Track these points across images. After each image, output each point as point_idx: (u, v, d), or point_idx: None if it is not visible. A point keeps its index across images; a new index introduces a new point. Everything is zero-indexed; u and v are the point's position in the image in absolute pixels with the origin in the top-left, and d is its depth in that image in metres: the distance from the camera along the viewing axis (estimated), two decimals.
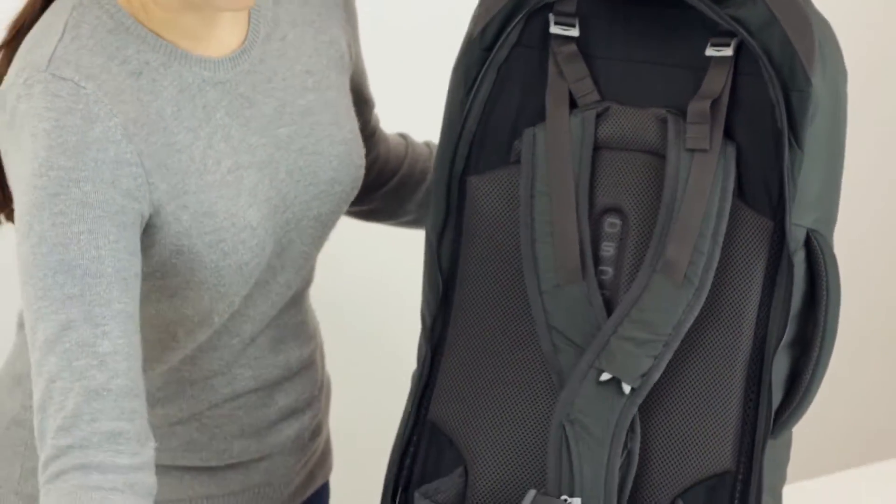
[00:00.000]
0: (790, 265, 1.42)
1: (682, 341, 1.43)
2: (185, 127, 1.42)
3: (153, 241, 1.43)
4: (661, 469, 1.45)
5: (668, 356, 1.42)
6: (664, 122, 1.44)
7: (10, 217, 1.50)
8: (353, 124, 1.59)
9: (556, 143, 1.46)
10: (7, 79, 1.41)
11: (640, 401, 1.43)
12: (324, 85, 1.55)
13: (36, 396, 1.34)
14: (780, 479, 1.54)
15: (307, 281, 1.64)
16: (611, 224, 1.47)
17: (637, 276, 1.43)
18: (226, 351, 1.55)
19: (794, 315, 1.44)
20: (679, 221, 1.41)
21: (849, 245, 3.27)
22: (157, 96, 1.41)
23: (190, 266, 1.44)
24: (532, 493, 1.44)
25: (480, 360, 1.50)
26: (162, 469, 1.51)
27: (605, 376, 1.42)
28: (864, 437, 3.55)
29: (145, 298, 1.44)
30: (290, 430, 1.63)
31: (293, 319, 1.63)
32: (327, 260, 1.67)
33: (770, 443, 1.45)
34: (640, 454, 1.45)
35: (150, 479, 1.36)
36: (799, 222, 1.43)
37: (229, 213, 1.44)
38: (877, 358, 3.52)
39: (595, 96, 1.48)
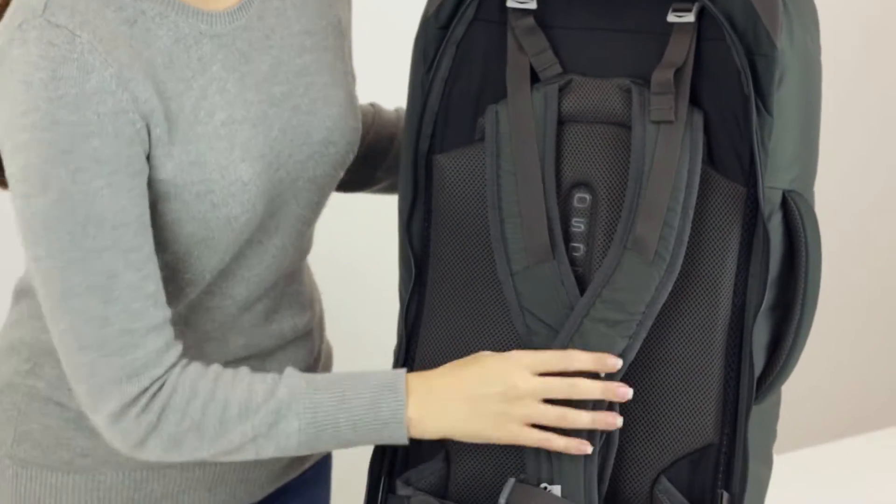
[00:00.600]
0: (765, 230, 1.39)
1: (658, 316, 1.41)
2: (176, 77, 1.42)
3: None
4: (642, 447, 1.44)
5: (643, 334, 1.40)
6: (629, 92, 1.42)
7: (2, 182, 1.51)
8: (349, 88, 1.59)
9: (519, 121, 1.44)
10: (3, 20, 1.40)
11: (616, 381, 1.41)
12: (321, 46, 1.55)
13: (72, 333, 1.39)
14: (769, 440, 1.53)
15: (304, 249, 1.63)
16: (580, 199, 1.45)
17: (608, 252, 1.41)
18: (219, 313, 1.54)
19: (774, 279, 1.42)
20: (647, 197, 1.38)
21: (851, 218, 3.29)
22: (150, 45, 1.41)
23: (178, 216, 1.44)
24: (511, 481, 1.43)
25: (455, 342, 1.49)
26: None
27: None
28: (864, 405, 3.55)
29: None
30: None
31: (290, 288, 1.62)
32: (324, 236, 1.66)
33: (755, 409, 1.43)
34: (620, 433, 1.43)
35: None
36: (773, 185, 1.40)
37: (220, 166, 1.44)
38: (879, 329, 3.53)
39: (557, 69, 1.45)
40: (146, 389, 1.40)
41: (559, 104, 1.44)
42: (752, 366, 1.40)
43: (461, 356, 1.46)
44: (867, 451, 2.25)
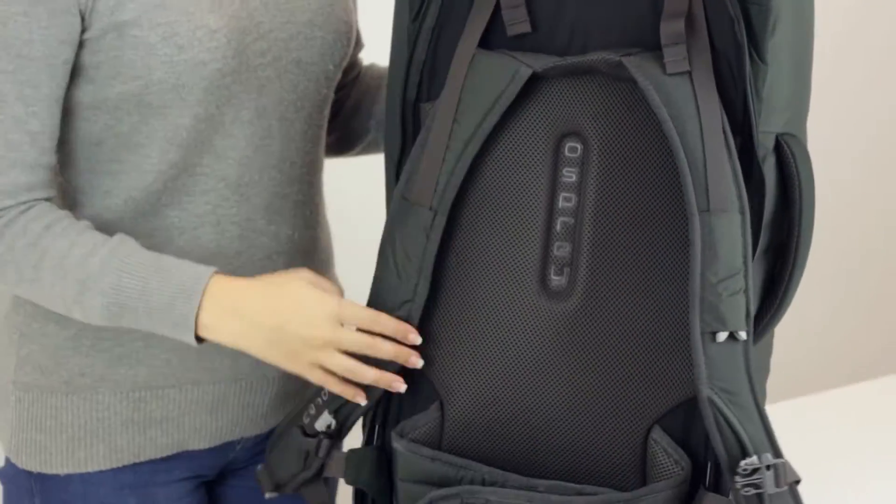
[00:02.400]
0: (760, 174, 1.39)
1: (652, 260, 1.41)
2: None
3: (101, 30, 1.45)
4: (635, 396, 1.44)
5: (752, 289, 1.37)
6: (619, 65, 1.39)
7: None
8: None
9: (455, 77, 1.44)
10: None
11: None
12: None
13: None
14: (762, 375, 1.54)
15: (301, 150, 1.61)
16: (571, 149, 1.44)
17: (690, 224, 1.36)
18: (214, 195, 1.55)
19: (768, 221, 1.42)
20: (709, 155, 1.35)
21: (849, 162, 3.28)
22: None
23: (146, 62, 1.46)
24: None
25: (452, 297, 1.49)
26: (146, 350, 1.56)
27: (722, 336, 1.38)
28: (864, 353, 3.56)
29: (116, 114, 1.50)
30: None
31: (295, 196, 1.62)
32: None
33: None
34: (612, 383, 1.43)
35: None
36: (767, 129, 1.40)
37: (184, 10, 1.46)
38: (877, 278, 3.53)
39: (525, 27, 1.44)
40: None
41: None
42: (749, 315, 1.39)
43: (457, 312, 1.47)
44: (866, 399, 2.25)
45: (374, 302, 1.48)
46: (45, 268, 1.44)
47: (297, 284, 1.46)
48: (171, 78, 1.47)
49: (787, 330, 1.61)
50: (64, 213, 1.47)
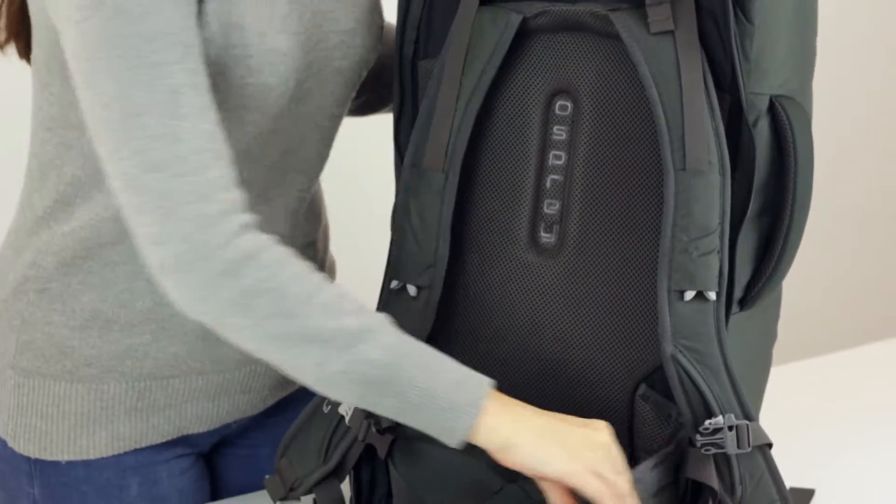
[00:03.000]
0: (750, 136, 1.38)
1: (639, 224, 1.41)
2: None
3: None
4: (621, 354, 1.44)
5: (727, 250, 1.38)
6: (605, 18, 1.39)
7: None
8: None
9: (461, 33, 1.44)
10: None
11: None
12: None
13: (140, 155, 1.29)
14: (767, 341, 1.55)
15: (323, 153, 1.61)
16: (561, 107, 1.44)
17: (666, 180, 1.36)
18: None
19: (761, 185, 1.41)
20: (688, 116, 1.35)
21: (850, 123, 3.25)
22: None
23: (216, 81, 1.40)
24: None
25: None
26: (154, 343, 1.54)
27: (689, 294, 1.38)
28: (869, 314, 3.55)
29: None
30: None
31: (311, 195, 1.62)
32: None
33: (747, 314, 1.45)
34: (600, 342, 1.44)
35: None
36: (759, 91, 1.39)
37: (260, 32, 1.42)
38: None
39: None
40: (224, 215, 1.30)
41: (525, 22, 1.43)
42: (731, 273, 1.39)
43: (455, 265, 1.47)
44: (872, 361, 2.24)
45: (395, 271, 1.48)
46: (318, 304, 1.30)
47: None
48: (235, 99, 1.43)
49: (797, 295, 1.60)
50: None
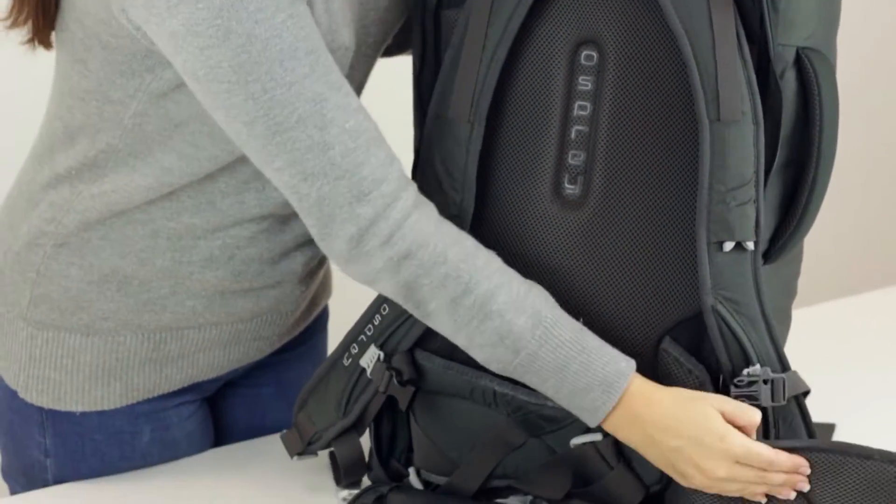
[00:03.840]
0: (777, 87, 1.38)
1: (666, 176, 1.40)
2: None
3: None
4: (645, 308, 1.44)
5: (762, 200, 1.38)
6: None
7: (44, 41, 1.50)
8: None
9: None
10: None
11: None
12: None
13: (295, 167, 1.36)
14: (788, 298, 1.54)
15: None
16: (587, 57, 1.43)
17: (699, 132, 1.36)
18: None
19: (787, 136, 1.40)
20: (721, 64, 1.35)
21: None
22: None
23: None
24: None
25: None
26: (172, 297, 1.54)
27: (729, 245, 1.38)
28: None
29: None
30: (302, 257, 1.61)
31: None
32: None
33: (770, 267, 1.44)
34: (623, 294, 1.44)
35: None
36: (786, 42, 1.38)
37: (329, 28, 1.43)
38: None
39: None
40: (382, 214, 1.38)
41: None
42: (759, 223, 1.39)
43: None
44: (885, 306, 2.24)
45: None
46: (464, 307, 1.39)
47: (709, 412, 1.39)
48: None
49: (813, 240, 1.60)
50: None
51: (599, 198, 1.44)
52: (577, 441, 1.47)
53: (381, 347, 1.52)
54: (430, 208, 1.41)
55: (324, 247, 1.41)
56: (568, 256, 1.45)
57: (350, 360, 1.53)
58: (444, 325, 1.41)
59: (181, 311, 1.55)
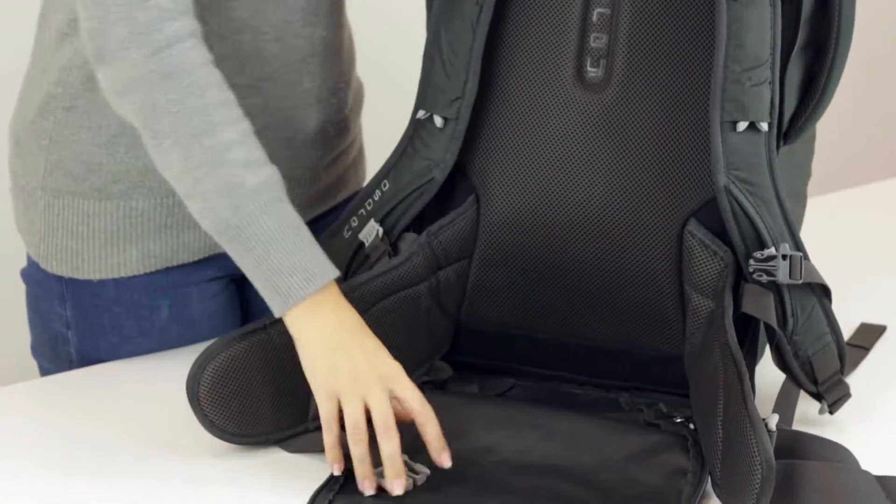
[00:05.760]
0: None
1: (688, 58, 1.41)
2: None
3: None
4: (669, 189, 1.44)
5: (778, 83, 1.38)
6: None
7: None
8: None
9: None
10: None
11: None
12: None
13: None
14: (803, 178, 1.54)
15: None
16: (600, 15, 1.44)
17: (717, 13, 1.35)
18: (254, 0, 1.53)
19: (807, 17, 1.40)
20: None
21: None
22: None
23: None
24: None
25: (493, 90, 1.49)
26: None
27: (742, 125, 1.38)
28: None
29: None
30: (315, 116, 1.62)
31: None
32: None
33: (786, 148, 1.44)
34: (648, 180, 1.44)
35: None
36: None
37: None
38: None
39: None
40: (157, 26, 1.36)
41: None
42: (781, 107, 1.39)
43: (494, 109, 1.47)
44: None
45: (423, 101, 1.48)
46: (202, 147, 1.36)
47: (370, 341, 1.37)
48: None
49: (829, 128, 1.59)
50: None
51: (621, 80, 1.44)
52: None
53: (380, 223, 1.52)
54: (205, 51, 1.38)
55: (92, 47, 1.38)
56: (591, 139, 1.46)
57: (350, 232, 1.55)
58: (172, 163, 1.37)
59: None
